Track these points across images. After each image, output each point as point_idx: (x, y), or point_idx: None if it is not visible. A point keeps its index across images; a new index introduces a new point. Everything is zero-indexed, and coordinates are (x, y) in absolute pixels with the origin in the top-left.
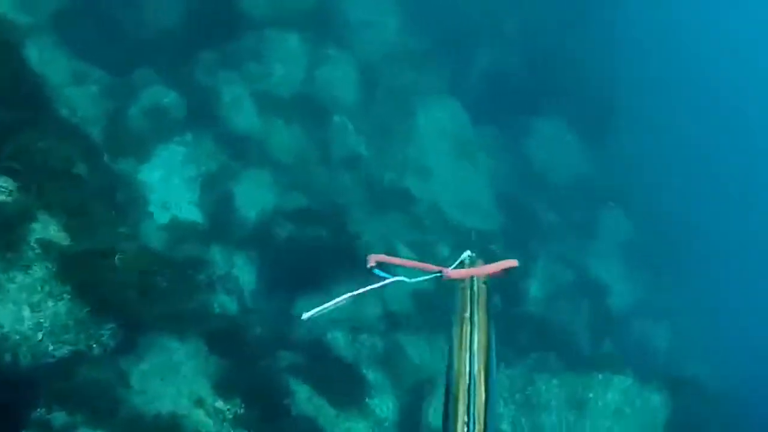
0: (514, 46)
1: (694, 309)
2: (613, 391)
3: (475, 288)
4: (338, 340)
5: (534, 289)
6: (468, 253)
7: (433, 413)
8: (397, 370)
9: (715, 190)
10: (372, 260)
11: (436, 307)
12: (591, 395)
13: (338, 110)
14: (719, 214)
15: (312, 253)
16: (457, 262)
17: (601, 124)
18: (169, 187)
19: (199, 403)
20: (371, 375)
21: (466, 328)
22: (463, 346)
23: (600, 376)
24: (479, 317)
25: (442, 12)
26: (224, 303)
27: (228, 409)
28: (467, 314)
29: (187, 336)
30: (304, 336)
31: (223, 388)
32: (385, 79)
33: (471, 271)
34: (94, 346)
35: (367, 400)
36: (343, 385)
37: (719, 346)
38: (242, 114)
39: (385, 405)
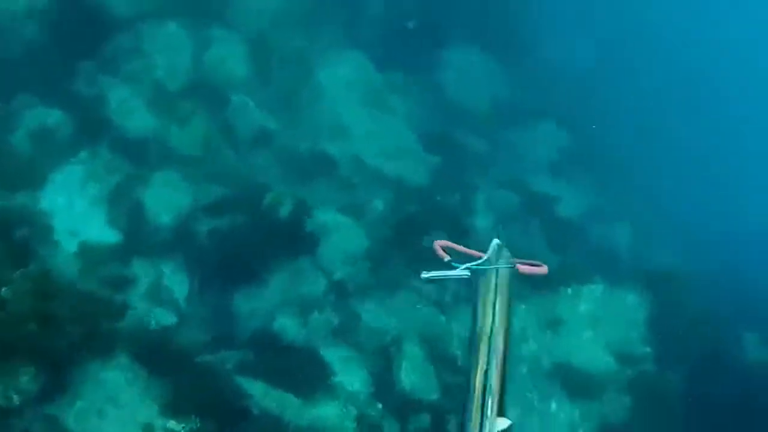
0: None
1: (650, 204)
2: (585, 302)
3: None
4: (287, 326)
5: (480, 221)
6: (496, 241)
7: (406, 372)
8: (358, 339)
9: (647, 84)
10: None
11: (380, 265)
12: (564, 312)
13: (235, 89)
14: (655, 107)
15: (240, 242)
16: (490, 251)
17: (513, 41)
18: (72, 210)
19: (149, 429)
20: (332, 352)
21: (490, 301)
22: (486, 320)
23: (569, 290)
24: (501, 297)
25: None
26: (159, 316)
27: (183, 428)
28: (491, 294)
29: (121, 361)
30: (248, 331)
31: (173, 406)
32: (277, 47)
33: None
34: (14, 396)
35: (333, 379)
36: (302, 371)
37: (682, 234)
38: (134, 117)
39: (354, 379)
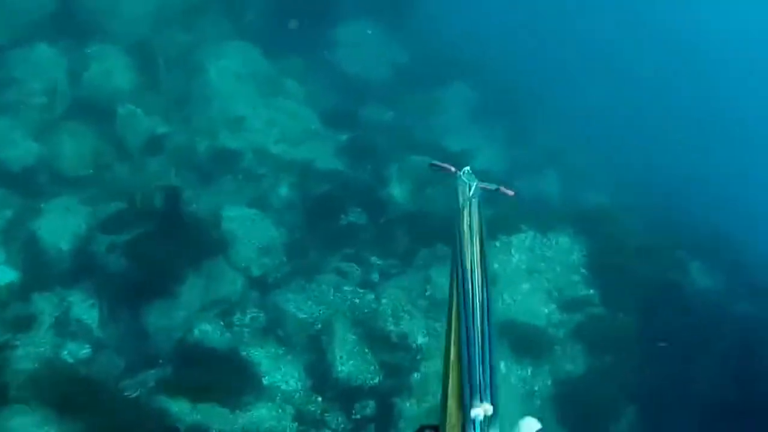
0: None
1: (571, 148)
2: (517, 252)
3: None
4: (208, 333)
5: (398, 192)
6: (467, 168)
7: (342, 360)
8: (286, 334)
9: (551, 28)
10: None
11: (297, 252)
12: (496, 265)
13: (121, 100)
14: (565, 50)
15: (147, 255)
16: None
17: (404, 7)
18: None
19: None
20: (260, 352)
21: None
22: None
23: (497, 243)
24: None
25: None
26: (70, 349)
27: None
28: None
29: (27, 406)
30: (168, 346)
31: None
32: (160, 50)
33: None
34: None
35: (264, 380)
36: (229, 377)
37: (608, 173)
38: (17, 147)
39: (287, 376)
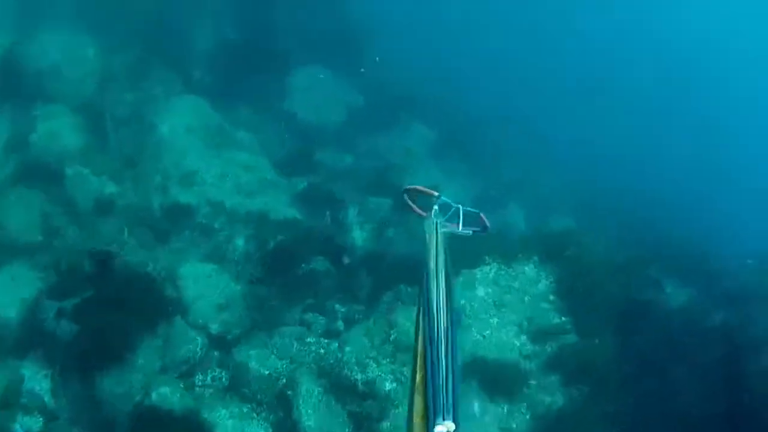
0: (226, 16)
1: (528, 178)
2: (483, 286)
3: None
4: (167, 396)
5: (359, 236)
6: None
7: (308, 414)
8: (251, 391)
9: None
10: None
11: (256, 306)
12: (462, 301)
13: (69, 162)
14: (512, 81)
15: (101, 320)
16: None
17: (355, 49)
18: None
19: None
20: (223, 413)
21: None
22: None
23: (460, 278)
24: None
25: (132, 14)
26: (24, 423)
27: None
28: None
29: None
30: (126, 412)
31: None
32: (109, 108)
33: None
34: None
35: None
36: None
37: (572, 196)
38: None
39: None
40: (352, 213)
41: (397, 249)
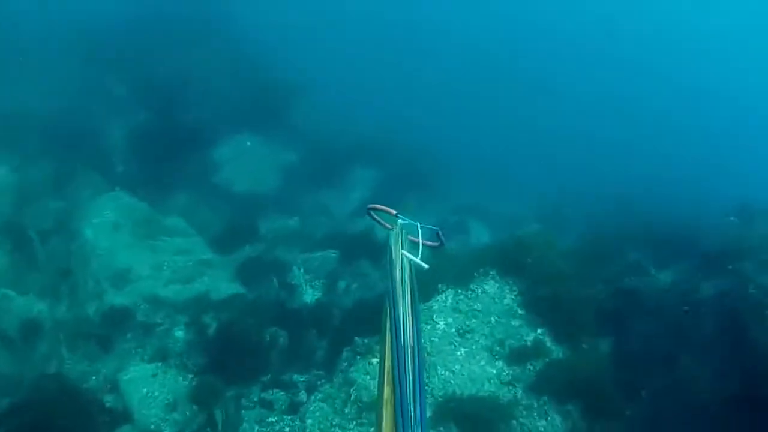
0: (137, 102)
1: (484, 197)
2: (442, 317)
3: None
4: None
5: (310, 296)
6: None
7: None
8: None
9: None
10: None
11: (206, 400)
12: (425, 338)
13: None
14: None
15: None
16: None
17: (279, 110)
18: None
19: None
20: None
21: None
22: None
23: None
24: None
25: (40, 123)
26: None
27: None
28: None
29: None
30: None
31: None
32: (31, 223)
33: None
34: None
35: None
36: None
37: (530, 200)
38: None
39: None
40: (298, 274)
41: (350, 299)
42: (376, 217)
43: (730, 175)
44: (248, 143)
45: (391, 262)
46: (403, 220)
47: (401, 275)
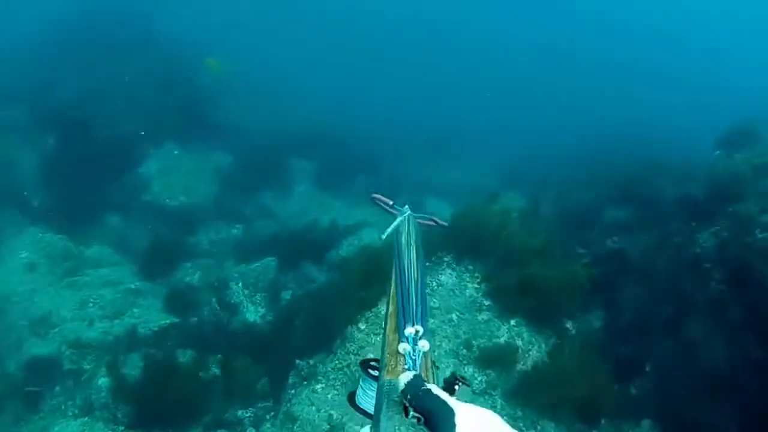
0: (43, 127)
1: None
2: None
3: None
4: None
5: (252, 314)
6: (407, 207)
7: None
8: None
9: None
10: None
11: None
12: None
13: None
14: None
15: None
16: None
17: (201, 113)
18: None
19: None
20: None
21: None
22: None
23: (361, 326)
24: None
25: None
26: None
27: None
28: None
29: None
30: None
31: None
32: None
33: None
34: None
35: None
36: None
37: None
38: None
39: None
40: (238, 290)
41: (294, 312)
42: (380, 204)
43: (703, 106)
44: (176, 152)
45: (398, 234)
46: (397, 207)
47: (407, 239)
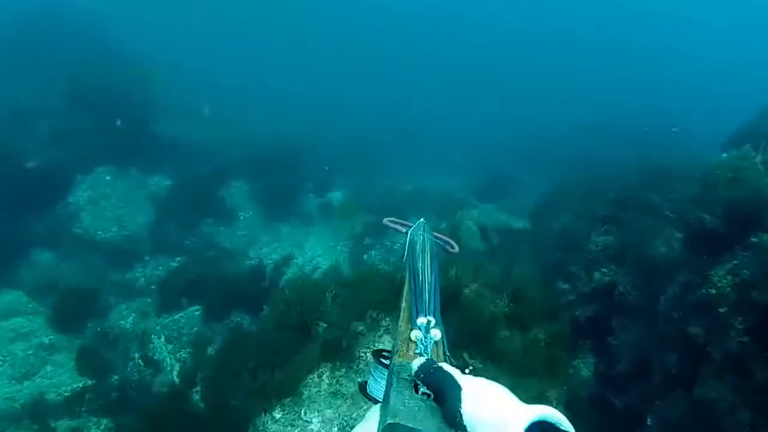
0: None
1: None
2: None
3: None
4: None
5: (175, 369)
6: (422, 220)
7: None
8: None
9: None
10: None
11: None
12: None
13: None
14: None
15: None
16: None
17: (133, 133)
18: None
19: None
20: None
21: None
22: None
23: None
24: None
25: None
26: None
27: None
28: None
29: None
30: None
31: None
32: None
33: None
34: None
35: None
36: None
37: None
38: None
39: None
40: (160, 344)
41: (223, 369)
42: (392, 225)
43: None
44: (108, 178)
45: (413, 243)
46: (412, 233)
47: (422, 247)
